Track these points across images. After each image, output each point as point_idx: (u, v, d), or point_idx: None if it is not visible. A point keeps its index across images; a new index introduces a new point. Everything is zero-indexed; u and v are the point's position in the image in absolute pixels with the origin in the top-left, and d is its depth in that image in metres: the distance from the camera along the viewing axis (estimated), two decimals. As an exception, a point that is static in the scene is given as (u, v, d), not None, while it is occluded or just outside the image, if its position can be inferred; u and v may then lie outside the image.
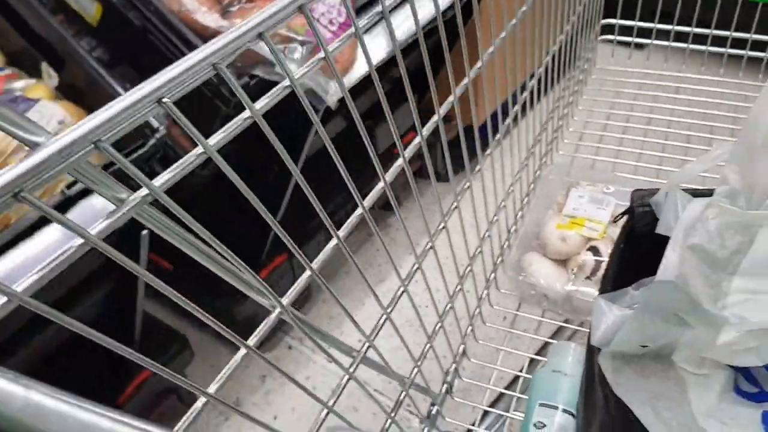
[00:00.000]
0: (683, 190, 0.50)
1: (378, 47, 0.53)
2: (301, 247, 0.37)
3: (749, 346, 0.41)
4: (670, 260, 0.40)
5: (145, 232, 0.83)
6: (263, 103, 0.33)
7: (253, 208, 0.33)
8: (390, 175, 0.48)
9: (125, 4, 0.92)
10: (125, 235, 0.83)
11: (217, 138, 0.30)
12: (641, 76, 1.05)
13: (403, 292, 0.57)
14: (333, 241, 0.43)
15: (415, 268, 0.59)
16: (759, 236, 0.41)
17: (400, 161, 0.49)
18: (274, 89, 0.34)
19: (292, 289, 0.40)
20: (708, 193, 0.47)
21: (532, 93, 0.79)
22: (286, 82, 0.34)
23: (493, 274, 0.81)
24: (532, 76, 0.79)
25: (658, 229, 0.44)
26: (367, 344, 0.52)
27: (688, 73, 1.04)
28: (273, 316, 0.39)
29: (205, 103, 0.91)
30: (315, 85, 0.90)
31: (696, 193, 0.48)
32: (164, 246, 0.35)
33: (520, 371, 0.77)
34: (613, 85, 1.05)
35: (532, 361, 0.80)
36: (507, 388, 0.78)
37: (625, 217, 0.52)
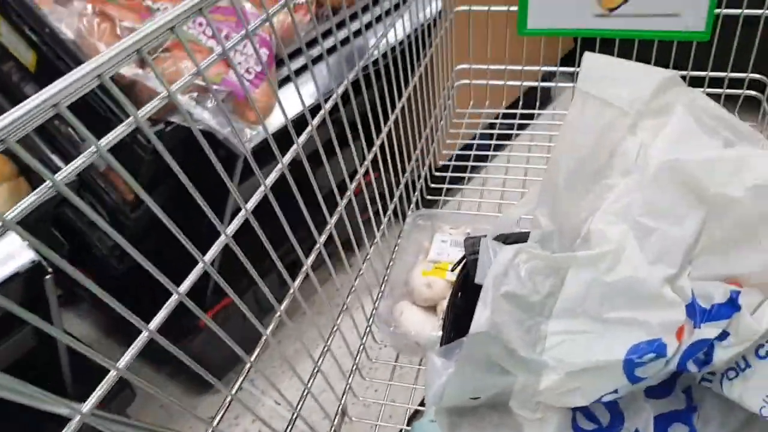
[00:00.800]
0: (508, 234, 0.51)
1: (305, 94, 0.52)
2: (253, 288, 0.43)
3: (572, 387, 0.42)
4: (481, 311, 0.40)
5: (48, 276, 0.79)
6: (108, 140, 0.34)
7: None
8: (231, 228, 0.46)
9: (52, 53, 0.91)
10: (30, 282, 0.78)
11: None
12: (495, 117, 1.09)
13: (250, 368, 0.55)
14: (174, 297, 0.40)
15: (277, 317, 0.57)
16: (568, 277, 0.43)
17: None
18: (153, 101, 0.38)
19: (98, 389, 0.38)
20: (526, 237, 0.48)
21: (390, 138, 0.80)
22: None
23: (368, 327, 0.80)
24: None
25: (477, 279, 0.44)
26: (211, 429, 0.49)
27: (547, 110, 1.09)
28: (74, 423, 0.36)
29: (128, 151, 0.91)
30: (229, 133, 0.86)
31: (517, 238, 0.49)
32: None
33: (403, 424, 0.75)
34: (470, 126, 1.08)
35: (416, 412, 0.79)
36: (392, 442, 0.77)
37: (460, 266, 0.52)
